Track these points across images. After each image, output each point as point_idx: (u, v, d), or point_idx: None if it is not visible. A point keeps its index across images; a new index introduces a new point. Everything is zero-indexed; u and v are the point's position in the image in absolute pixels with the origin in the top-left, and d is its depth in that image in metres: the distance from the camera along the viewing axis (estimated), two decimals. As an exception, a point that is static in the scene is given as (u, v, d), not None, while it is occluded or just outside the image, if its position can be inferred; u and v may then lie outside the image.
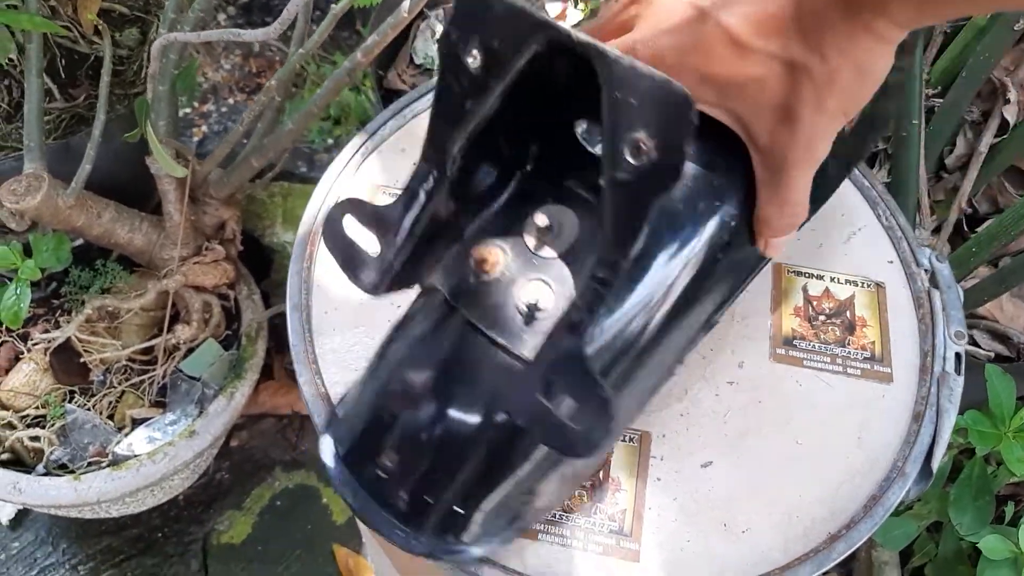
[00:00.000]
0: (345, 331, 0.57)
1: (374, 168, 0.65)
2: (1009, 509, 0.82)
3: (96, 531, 1.11)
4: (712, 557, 0.50)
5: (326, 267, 0.60)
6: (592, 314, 0.37)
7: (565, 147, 0.44)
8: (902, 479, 0.53)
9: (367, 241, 0.43)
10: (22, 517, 1.11)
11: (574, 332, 0.37)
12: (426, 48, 1.06)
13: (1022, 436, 0.75)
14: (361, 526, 1.09)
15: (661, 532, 0.50)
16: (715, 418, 0.55)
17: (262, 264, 1.25)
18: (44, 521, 1.11)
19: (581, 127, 0.44)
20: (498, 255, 0.43)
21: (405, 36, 1.10)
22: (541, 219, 0.43)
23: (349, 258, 0.44)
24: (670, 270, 0.43)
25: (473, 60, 0.37)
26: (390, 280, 0.43)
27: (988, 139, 0.81)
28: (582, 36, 0.34)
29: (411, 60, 1.08)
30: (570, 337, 0.37)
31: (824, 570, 0.50)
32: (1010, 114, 0.81)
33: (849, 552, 0.51)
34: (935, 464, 0.54)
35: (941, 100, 0.84)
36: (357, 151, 0.65)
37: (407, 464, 0.44)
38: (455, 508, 0.44)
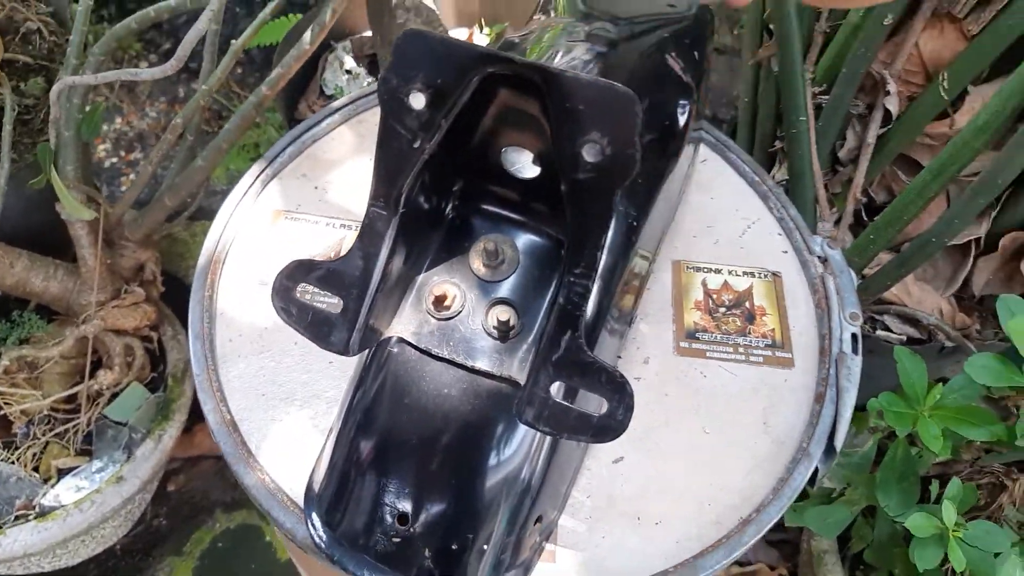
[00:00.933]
0: (250, 357, 0.57)
1: (274, 194, 0.65)
2: (935, 488, 0.84)
3: (30, 589, 1.07)
4: (628, 551, 0.50)
5: (228, 295, 0.60)
6: (582, 309, 0.39)
7: (487, 178, 0.46)
8: (807, 460, 0.54)
9: (322, 301, 0.43)
10: (-50, 582, 1.07)
11: (569, 331, 0.39)
12: (335, 79, 1.06)
13: (937, 414, 0.77)
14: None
15: (576, 531, 0.51)
16: (623, 415, 0.55)
17: (187, 305, 1.24)
18: (-26, 582, 1.08)
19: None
20: (453, 290, 0.45)
21: (314, 68, 1.10)
22: (488, 245, 0.45)
23: (312, 325, 0.43)
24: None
25: (417, 100, 0.38)
26: (362, 336, 0.42)
27: (874, 130, 0.84)
28: (526, 59, 0.36)
29: (321, 92, 1.08)
30: (568, 338, 0.39)
31: (737, 554, 0.51)
32: (892, 105, 0.84)
33: (760, 535, 0.52)
34: (838, 442, 0.55)
35: (827, 97, 0.88)
36: (257, 178, 0.65)
37: (426, 520, 0.43)
38: (484, 547, 0.44)
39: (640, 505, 0.52)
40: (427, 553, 0.44)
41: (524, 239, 0.47)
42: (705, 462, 0.54)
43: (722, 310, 0.61)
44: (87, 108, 0.93)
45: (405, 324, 0.45)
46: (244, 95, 1.81)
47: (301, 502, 0.50)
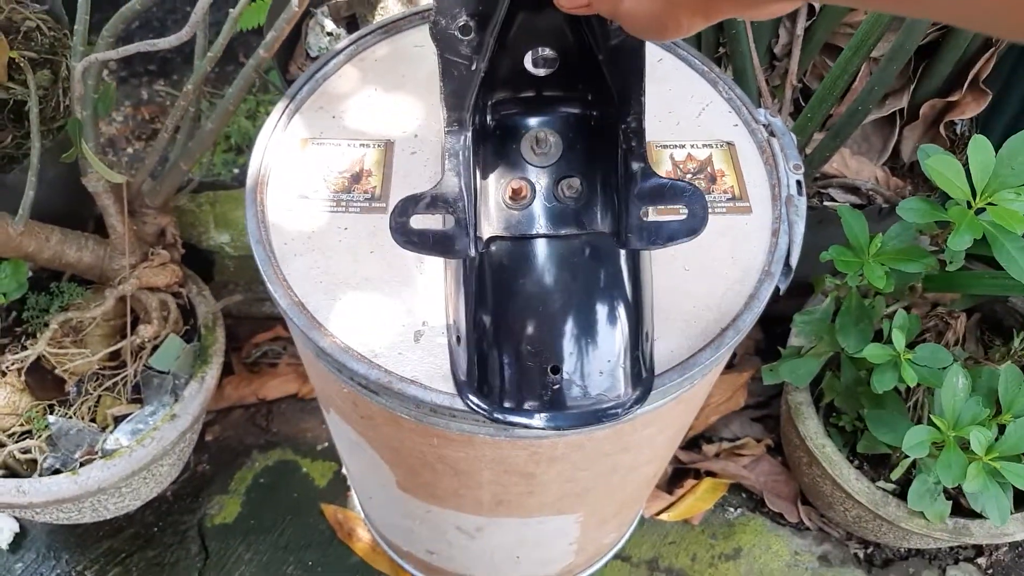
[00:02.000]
0: (303, 255, 0.68)
1: (299, 125, 0.76)
2: (886, 326, 0.97)
3: (94, 537, 1.18)
4: (635, 361, 0.62)
5: (276, 208, 0.70)
6: (642, 144, 0.50)
7: (517, 86, 0.54)
8: (769, 279, 0.67)
9: (430, 223, 0.51)
10: (20, 539, 1.17)
11: (637, 164, 0.49)
12: (317, 41, 1.17)
13: (879, 258, 0.90)
14: (346, 464, 1.19)
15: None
16: (618, 263, 0.67)
17: (204, 267, 1.34)
18: (43, 539, 1.18)
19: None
20: (522, 182, 0.54)
21: (298, 34, 1.20)
22: (538, 135, 0.54)
23: (436, 244, 0.51)
24: None
25: (466, 30, 0.47)
26: (475, 238, 0.51)
27: (802, 23, 0.97)
28: None
29: (307, 55, 1.18)
30: (638, 170, 0.49)
31: (720, 353, 0.63)
32: (815, -1, 0.96)
33: (737, 339, 0.64)
34: (793, 262, 0.68)
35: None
36: (283, 113, 0.76)
37: (575, 362, 0.52)
38: (622, 365, 0.54)
39: (640, 328, 0.64)
40: (581, 383, 0.53)
41: (559, 122, 0.56)
42: (688, 291, 0.66)
43: (688, 176, 0.73)
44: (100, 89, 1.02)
45: (494, 224, 0.54)
46: (209, 91, 1.89)
47: (368, 355, 0.62)
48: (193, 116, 1.09)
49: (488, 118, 0.57)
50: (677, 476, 1.28)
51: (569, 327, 0.53)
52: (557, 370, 0.52)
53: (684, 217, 0.50)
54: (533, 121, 0.56)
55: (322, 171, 0.72)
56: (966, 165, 0.85)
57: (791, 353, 1.05)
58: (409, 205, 0.51)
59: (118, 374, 1.08)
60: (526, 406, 0.53)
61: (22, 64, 0.95)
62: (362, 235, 0.69)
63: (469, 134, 0.52)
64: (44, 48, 1.15)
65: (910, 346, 0.94)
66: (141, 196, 1.10)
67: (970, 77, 0.99)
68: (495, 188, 0.56)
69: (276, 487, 1.24)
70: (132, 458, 0.99)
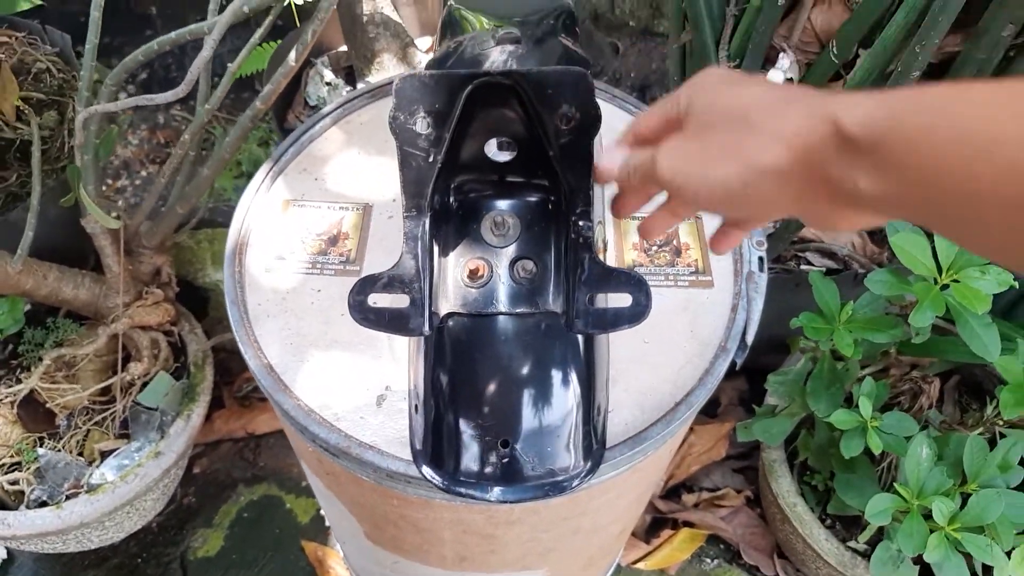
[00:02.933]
0: (277, 316, 0.70)
1: (281, 187, 0.78)
2: (857, 391, 0.99)
3: (80, 566, 1.20)
4: (588, 433, 0.64)
5: (254, 269, 0.73)
6: (591, 235, 0.52)
7: (477, 170, 0.57)
8: (725, 354, 0.68)
9: (387, 301, 0.53)
10: (7, 566, 1.20)
11: (586, 254, 0.52)
12: (316, 91, 1.20)
13: (849, 326, 0.92)
14: (329, 516, 1.20)
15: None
16: (579, 334, 0.69)
17: (199, 304, 1.37)
18: (30, 565, 1.20)
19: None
20: (480, 262, 0.57)
21: (298, 83, 1.24)
22: (496, 219, 0.57)
23: (391, 322, 0.53)
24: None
25: (424, 125, 0.50)
26: (431, 316, 0.54)
27: (783, 91, 0.99)
28: (500, 69, 0.49)
29: (305, 103, 1.22)
30: (587, 259, 0.52)
31: (672, 428, 0.65)
32: (792, 73, 0.99)
33: (690, 414, 0.66)
34: (749, 339, 0.70)
35: (740, 67, 1.02)
36: (267, 175, 0.79)
37: (525, 436, 0.54)
38: (569, 441, 0.55)
39: (597, 399, 0.66)
40: (532, 457, 0.55)
41: (517, 206, 0.58)
42: (646, 363, 0.68)
43: (654, 248, 0.75)
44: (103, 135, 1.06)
45: (452, 301, 0.57)
46: (224, 116, 1.94)
47: (330, 419, 0.64)
48: (193, 160, 1.12)
49: (451, 199, 0.59)
50: (655, 525, 1.29)
51: (521, 402, 0.55)
52: (508, 444, 0.54)
53: (629, 304, 0.52)
54: (493, 204, 0.59)
55: (301, 233, 0.75)
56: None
57: (765, 412, 1.06)
58: (367, 285, 0.53)
59: (107, 409, 1.11)
60: (478, 478, 0.55)
61: (25, 111, 0.99)
62: (335, 297, 0.71)
63: (427, 220, 0.54)
64: (53, 89, 1.19)
65: (885, 408, 0.95)
66: (139, 236, 1.13)
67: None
68: (454, 266, 0.58)
69: (259, 522, 1.26)
70: (115, 494, 1.02)
